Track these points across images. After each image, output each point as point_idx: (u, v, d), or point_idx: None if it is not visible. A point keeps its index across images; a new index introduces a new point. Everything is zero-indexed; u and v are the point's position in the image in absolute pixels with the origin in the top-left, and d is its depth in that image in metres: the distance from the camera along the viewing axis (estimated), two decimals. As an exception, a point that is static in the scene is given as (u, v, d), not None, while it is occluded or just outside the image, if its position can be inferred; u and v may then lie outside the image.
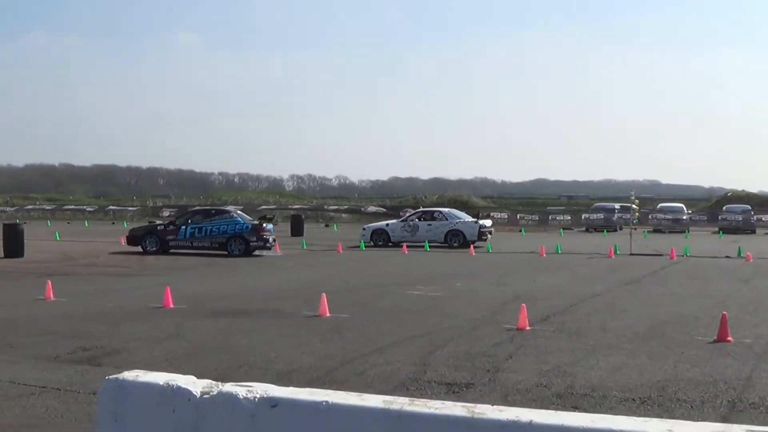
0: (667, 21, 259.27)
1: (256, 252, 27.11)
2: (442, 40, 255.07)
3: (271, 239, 27.44)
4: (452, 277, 19.29)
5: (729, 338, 10.04)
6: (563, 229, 51.81)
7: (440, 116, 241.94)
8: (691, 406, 6.90)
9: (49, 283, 15.22)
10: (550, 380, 7.89)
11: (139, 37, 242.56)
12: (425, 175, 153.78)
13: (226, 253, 26.62)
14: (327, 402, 3.16)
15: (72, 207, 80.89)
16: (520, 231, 49.75)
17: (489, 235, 33.48)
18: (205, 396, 3.51)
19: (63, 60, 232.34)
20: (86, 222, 64.24)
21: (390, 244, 32.65)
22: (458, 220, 33.85)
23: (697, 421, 5.12)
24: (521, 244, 34.07)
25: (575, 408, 6.74)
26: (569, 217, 57.00)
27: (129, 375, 3.83)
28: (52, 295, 14.60)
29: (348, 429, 3.07)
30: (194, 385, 3.61)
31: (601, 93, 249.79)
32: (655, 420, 2.99)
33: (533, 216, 58.60)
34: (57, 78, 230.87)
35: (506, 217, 58.09)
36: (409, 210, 53.29)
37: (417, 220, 34.55)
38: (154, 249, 27.54)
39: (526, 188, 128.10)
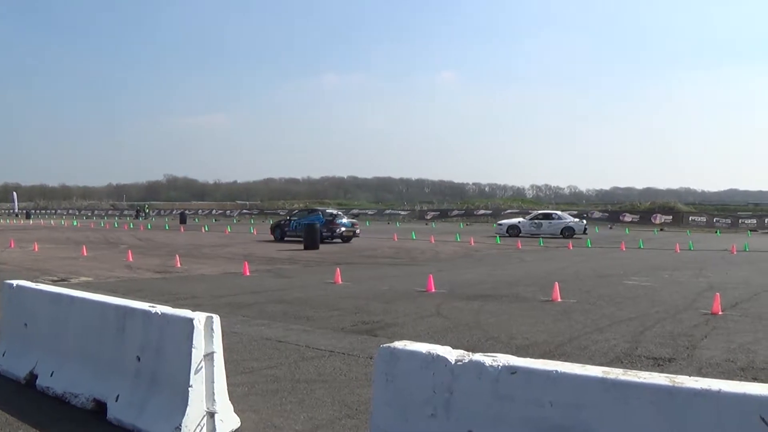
0: None
1: (326, 240, 29.77)
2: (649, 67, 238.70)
3: (344, 229, 31.15)
4: (661, 270, 19.14)
5: None
6: (750, 230, 52.64)
7: (652, 132, 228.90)
8: None
9: (338, 270, 16.13)
10: (736, 356, 7.91)
11: (407, 76, 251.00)
12: (640, 185, 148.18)
13: (321, 241, 28.44)
14: (557, 371, 3.26)
15: (357, 210, 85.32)
16: (716, 232, 51.36)
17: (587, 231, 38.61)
18: (458, 363, 3.56)
19: (350, 94, 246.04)
20: (368, 222, 67.44)
21: (520, 235, 37.63)
22: (569, 220, 39.36)
23: None
24: (717, 243, 34.73)
25: (755, 379, 6.75)
26: (755, 221, 57.37)
27: (399, 344, 3.96)
28: (340, 280, 15.38)
29: (573, 393, 3.17)
30: (450, 354, 3.68)
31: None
32: None
33: (726, 220, 59.63)
34: (345, 108, 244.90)
35: (704, 220, 60.12)
36: (627, 214, 64.59)
37: (541, 219, 39.55)
38: (279, 237, 32.37)
39: (720, 197, 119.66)
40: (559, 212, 42.09)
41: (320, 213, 33.04)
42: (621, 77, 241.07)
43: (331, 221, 31.31)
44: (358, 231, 32.62)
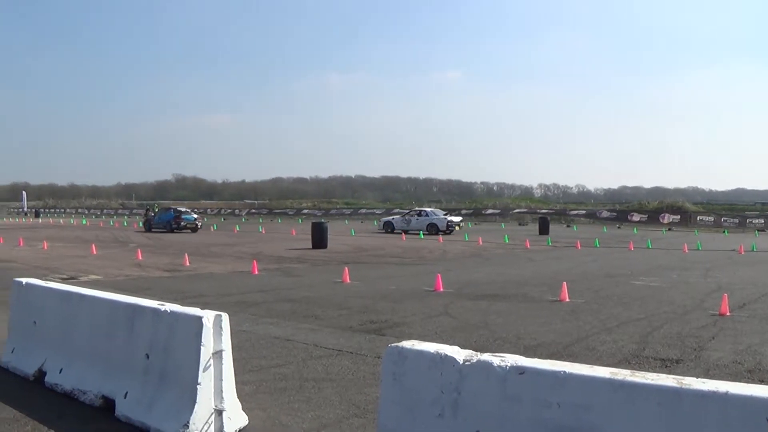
0: None
1: (176, 230, 41.12)
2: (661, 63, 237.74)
3: (187, 222, 42.00)
4: (669, 270, 19.04)
5: None
6: (758, 230, 52.19)
7: (659, 131, 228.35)
8: None
9: (346, 269, 16.14)
10: (743, 358, 7.83)
11: (415, 75, 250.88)
12: (648, 184, 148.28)
13: (171, 231, 41.05)
14: (564, 372, 3.25)
15: (365, 210, 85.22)
16: (724, 232, 50.73)
17: (457, 227, 41.24)
18: (466, 363, 3.56)
19: (356, 93, 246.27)
20: (375, 221, 67.30)
21: (395, 231, 41.50)
22: (435, 216, 41.97)
23: None
24: (724, 243, 34.43)
25: (761, 381, 6.64)
26: (763, 221, 56.69)
27: (407, 344, 3.96)
28: (348, 279, 15.41)
29: (581, 394, 3.17)
30: (458, 354, 3.68)
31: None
32: None
33: (734, 219, 58.98)
34: (352, 107, 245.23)
35: (712, 220, 59.40)
36: (635, 214, 64.03)
37: (412, 215, 43.18)
38: (148, 229, 42.61)
39: (728, 196, 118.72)
40: (429, 210, 45.95)
41: (173, 210, 44.94)
42: (628, 75, 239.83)
43: (178, 216, 42.43)
44: (199, 224, 43.60)
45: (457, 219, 43.48)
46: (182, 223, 41.86)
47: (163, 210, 47.40)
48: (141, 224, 47.87)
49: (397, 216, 46.28)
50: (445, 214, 43.75)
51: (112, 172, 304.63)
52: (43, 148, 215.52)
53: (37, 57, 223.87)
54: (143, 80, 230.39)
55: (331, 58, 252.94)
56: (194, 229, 42.01)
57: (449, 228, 40.48)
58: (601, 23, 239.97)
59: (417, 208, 50.37)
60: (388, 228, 42.66)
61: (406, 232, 40.57)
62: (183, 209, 46.51)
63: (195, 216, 44.32)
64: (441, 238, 35.14)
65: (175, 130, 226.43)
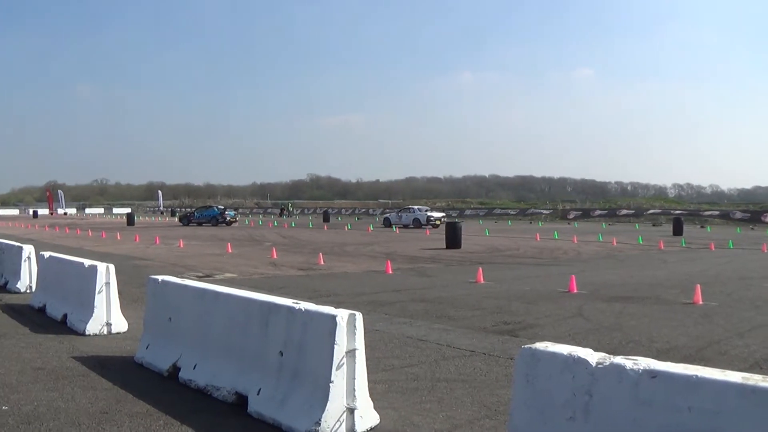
0: None
1: (220, 223, 51.15)
2: None
3: (229, 218, 52.23)
4: None
5: None
6: None
7: None
8: None
9: (480, 269, 16.09)
10: None
11: (547, 73, 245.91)
12: None
13: (216, 224, 51.03)
14: (696, 376, 3.20)
15: (498, 210, 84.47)
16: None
17: (438, 222, 47.35)
18: (599, 365, 3.53)
19: (488, 92, 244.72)
20: (510, 221, 66.74)
21: (391, 225, 49.23)
22: (418, 213, 49.85)
23: None
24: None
25: None
26: None
27: (540, 345, 3.94)
28: (482, 279, 15.35)
29: (712, 398, 3.11)
30: (591, 356, 3.65)
31: None
32: None
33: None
34: (485, 107, 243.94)
35: None
36: None
37: (403, 212, 51.71)
38: (186, 223, 52.60)
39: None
40: (415, 207, 54.06)
41: (215, 207, 56.00)
42: (760, 71, 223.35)
43: (222, 213, 52.73)
44: (237, 218, 55.04)
45: (438, 215, 50.49)
46: (227, 218, 51.94)
47: (205, 207, 58.02)
48: (178, 219, 59.55)
49: (393, 213, 54.65)
50: (426, 210, 51.44)
51: (248, 172, 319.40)
52: (180, 149, 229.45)
53: (174, 59, 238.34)
54: (278, 81, 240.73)
55: (463, 58, 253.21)
56: (229, 223, 51.76)
57: (429, 222, 47.52)
58: (731, 17, 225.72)
59: (407, 206, 61.09)
60: (387, 223, 50.25)
61: (405, 226, 48.16)
62: (223, 207, 58.64)
63: (234, 212, 55.77)
64: (575, 238, 34.26)
65: (311, 131, 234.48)
